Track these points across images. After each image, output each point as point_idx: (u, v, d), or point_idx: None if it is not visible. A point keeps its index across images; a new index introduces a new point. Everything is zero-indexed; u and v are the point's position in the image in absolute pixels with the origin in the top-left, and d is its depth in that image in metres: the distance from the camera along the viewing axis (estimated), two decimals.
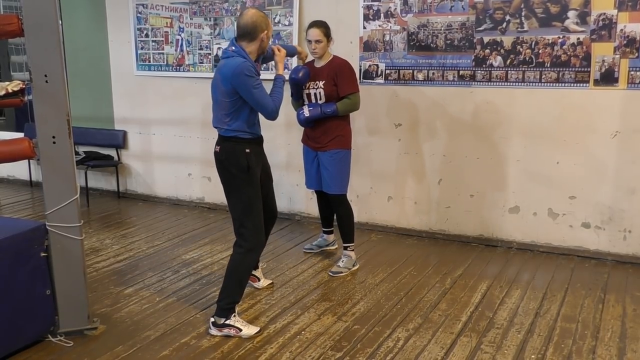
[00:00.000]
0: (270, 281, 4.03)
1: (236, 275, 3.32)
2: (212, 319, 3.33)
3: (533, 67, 4.42)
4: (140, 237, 5.11)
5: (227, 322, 3.29)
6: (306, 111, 4.09)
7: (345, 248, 4.31)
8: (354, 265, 4.28)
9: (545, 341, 3.21)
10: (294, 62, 5.06)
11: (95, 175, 6.65)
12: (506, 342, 3.20)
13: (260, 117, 3.38)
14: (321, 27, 4.05)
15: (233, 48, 3.24)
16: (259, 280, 3.95)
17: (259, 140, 3.43)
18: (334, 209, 4.32)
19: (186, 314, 3.57)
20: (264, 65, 4.08)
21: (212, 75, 5.49)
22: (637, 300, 3.74)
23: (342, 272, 4.19)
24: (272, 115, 3.29)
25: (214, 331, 3.30)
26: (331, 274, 4.18)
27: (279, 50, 3.53)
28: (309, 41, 4.06)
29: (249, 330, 3.30)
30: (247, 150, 3.29)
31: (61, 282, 3.21)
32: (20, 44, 7.28)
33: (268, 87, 3.32)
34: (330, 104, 4.05)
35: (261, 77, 3.32)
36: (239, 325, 3.29)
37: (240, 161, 3.27)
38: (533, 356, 3.06)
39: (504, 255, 4.59)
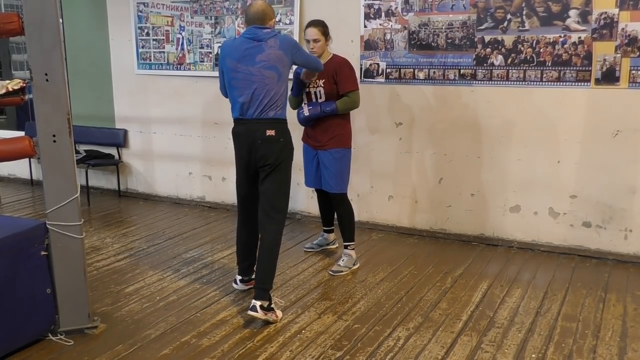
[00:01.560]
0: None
1: (276, 254, 3.51)
2: (258, 303, 3.35)
3: (534, 66, 4.42)
4: (140, 235, 5.11)
5: (272, 305, 3.42)
6: (306, 110, 4.09)
7: (346, 247, 4.30)
8: (354, 265, 4.28)
9: (546, 340, 3.21)
10: None
11: (96, 174, 6.65)
12: (507, 342, 3.19)
13: None
14: (318, 26, 4.04)
15: (268, 30, 3.47)
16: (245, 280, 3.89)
17: None
18: (335, 208, 4.32)
19: (187, 313, 3.57)
20: None
21: (212, 74, 5.56)
22: (638, 299, 3.74)
23: (342, 271, 4.19)
24: (321, 66, 3.83)
25: (260, 314, 3.35)
26: (331, 273, 4.17)
27: None
28: (307, 40, 4.07)
29: (280, 314, 3.48)
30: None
31: (61, 281, 3.21)
32: (21, 42, 7.28)
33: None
34: (329, 103, 4.04)
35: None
36: (277, 310, 3.45)
37: (291, 143, 3.57)
38: (534, 355, 3.05)
39: (504, 255, 4.58)
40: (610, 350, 3.10)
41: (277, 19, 5.22)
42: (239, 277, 3.87)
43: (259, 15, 3.46)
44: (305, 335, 3.28)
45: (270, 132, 3.42)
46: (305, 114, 4.09)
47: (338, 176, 4.16)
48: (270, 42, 3.42)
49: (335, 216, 4.37)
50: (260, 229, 3.55)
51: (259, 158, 3.46)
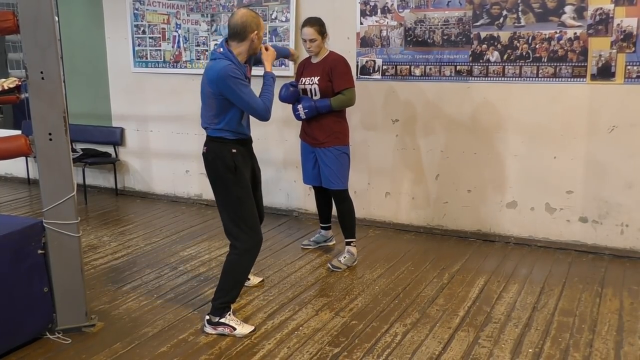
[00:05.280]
0: (261, 278, 3.97)
1: (233, 277, 3.30)
2: (207, 317, 3.32)
3: (530, 62, 4.42)
4: (138, 234, 5.11)
5: (222, 320, 3.27)
6: (302, 113, 4.09)
7: (348, 244, 4.30)
8: (354, 263, 4.28)
9: (543, 335, 3.22)
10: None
11: (93, 173, 6.65)
12: (504, 337, 3.21)
13: (252, 118, 3.33)
14: (315, 25, 4.04)
15: (221, 50, 3.18)
16: (249, 279, 3.85)
17: (246, 141, 3.38)
18: (336, 205, 4.31)
19: (184, 311, 3.57)
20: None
21: None
22: (634, 293, 3.75)
23: (341, 269, 4.19)
24: (263, 116, 3.22)
25: (208, 329, 3.29)
26: (331, 267, 4.17)
27: (266, 49, 3.48)
28: (304, 40, 4.06)
29: (243, 329, 3.28)
30: (234, 151, 3.26)
31: (59, 280, 3.21)
32: (17, 40, 7.26)
33: (258, 85, 3.29)
34: (324, 100, 4.04)
35: (252, 72, 3.37)
36: (233, 324, 3.27)
37: (227, 161, 3.24)
38: (530, 350, 3.06)
39: (501, 250, 4.59)
40: (607, 344, 3.12)
41: (273, 17, 5.23)
42: None
43: (237, 30, 3.14)
44: (303, 332, 3.28)
45: (204, 149, 3.34)
46: (302, 117, 4.11)
47: (338, 173, 4.16)
48: (208, 65, 3.21)
49: (335, 213, 4.37)
50: None
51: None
